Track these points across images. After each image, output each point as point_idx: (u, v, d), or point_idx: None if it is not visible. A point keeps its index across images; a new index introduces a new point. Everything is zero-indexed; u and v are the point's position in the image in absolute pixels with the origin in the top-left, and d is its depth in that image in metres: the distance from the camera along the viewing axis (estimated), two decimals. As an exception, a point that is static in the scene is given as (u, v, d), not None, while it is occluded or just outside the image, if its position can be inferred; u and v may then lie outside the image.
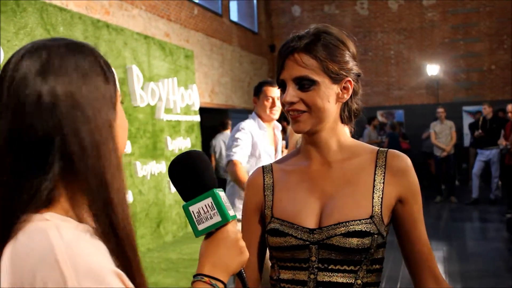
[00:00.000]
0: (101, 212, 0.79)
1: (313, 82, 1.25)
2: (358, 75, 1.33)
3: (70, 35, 5.22)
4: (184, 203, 0.99)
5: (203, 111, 9.07)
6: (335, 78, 1.27)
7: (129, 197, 5.97)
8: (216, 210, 0.96)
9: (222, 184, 3.40)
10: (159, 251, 6.29)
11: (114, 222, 0.79)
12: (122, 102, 0.91)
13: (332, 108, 1.29)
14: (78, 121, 0.78)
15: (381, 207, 1.27)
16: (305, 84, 1.25)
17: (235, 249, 0.97)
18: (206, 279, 0.93)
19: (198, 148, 7.94)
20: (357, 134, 1.48)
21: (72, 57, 0.81)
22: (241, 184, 3.30)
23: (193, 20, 10.66)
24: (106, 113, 0.83)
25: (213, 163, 9.56)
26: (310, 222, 1.28)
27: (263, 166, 1.44)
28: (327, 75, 1.26)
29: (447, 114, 10.29)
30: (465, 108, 13.79)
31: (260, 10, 14.71)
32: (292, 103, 1.27)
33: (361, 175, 1.31)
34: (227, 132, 9.36)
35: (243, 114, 10.51)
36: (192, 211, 0.97)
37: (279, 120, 3.83)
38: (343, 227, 1.24)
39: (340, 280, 1.25)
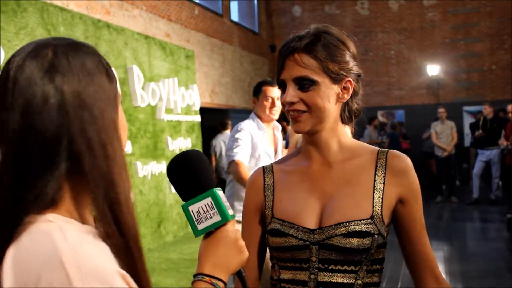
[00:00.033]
0: (108, 212, 0.78)
1: (313, 82, 1.25)
2: (359, 75, 1.33)
3: (70, 35, 5.22)
4: (184, 202, 0.99)
5: (203, 111, 9.07)
6: (335, 78, 1.27)
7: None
8: (215, 209, 0.96)
9: (222, 185, 3.39)
10: (159, 251, 6.29)
11: (120, 222, 0.79)
12: (121, 102, 0.91)
13: (332, 108, 1.29)
14: (85, 121, 0.78)
15: (381, 208, 1.27)
16: (305, 84, 1.25)
17: (235, 248, 0.98)
18: (207, 278, 0.94)
19: (199, 148, 7.94)
20: (357, 134, 1.48)
21: (77, 57, 0.81)
22: (245, 184, 3.29)
23: (194, 20, 10.66)
24: (111, 113, 0.83)
25: (213, 163, 9.55)
26: (311, 222, 1.28)
27: (263, 166, 1.44)
28: (327, 75, 1.26)
29: (448, 114, 10.28)
30: (466, 108, 13.79)
31: (260, 10, 14.71)
32: (292, 103, 1.27)
33: (361, 175, 1.31)
34: (227, 132, 9.36)
35: (243, 114, 10.51)
36: (192, 211, 0.97)
37: (278, 120, 3.79)
38: (343, 227, 1.24)
39: (341, 280, 1.25)
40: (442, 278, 1.35)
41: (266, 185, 1.39)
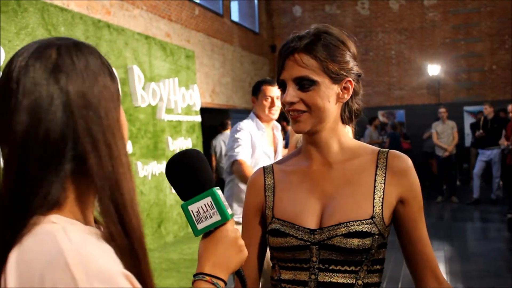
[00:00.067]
0: (113, 213, 0.78)
1: (313, 82, 1.25)
2: (359, 75, 1.33)
3: (71, 35, 5.22)
4: (183, 202, 0.99)
5: (204, 111, 9.08)
6: (335, 78, 1.27)
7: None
8: (215, 209, 0.96)
9: (221, 185, 3.36)
10: (160, 251, 6.29)
11: (125, 223, 0.79)
12: (122, 103, 0.91)
13: (332, 108, 1.28)
14: (90, 121, 0.78)
15: (382, 208, 1.27)
16: (305, 84, 1.25)
17: (235, 247, 0.98)
18: (207, 278, 0.94)
19: (199, 148, 7.94)
20: (358, 134, 1.48)
21: (81, 57, 0.81)
22: None
23: (194, 20, 10.67)
24: (115, 113, 0.83)
25: (214, 163, 9.56)
26: (311, 222, 1.28)
27: (263, 167, 1.44)
28: (327, 75, 1.26)
29: (448, 114, 10.28)
30: (466, 108, 13.79)
31: (261, 10, 14.71)
32: (292, 103, 1.27)
33: (362, 176, 1.31)
34: (227, 132, 9.37)
35: (244, 114, 10.49)
36: (191, 211, 0.97)
37: (278, 120, 3.74)
38: (344, 227, 1.24)
39: (341, 280, 1.25)
40: (443, 278, 1.35)
41: (266, 186, 1.39)
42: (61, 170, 0.76)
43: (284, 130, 6.31)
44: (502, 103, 11.72)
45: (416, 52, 14.26)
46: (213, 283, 0.93)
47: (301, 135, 1.74)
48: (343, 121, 1.34)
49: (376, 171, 1.31)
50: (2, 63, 4.26)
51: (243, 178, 3.29)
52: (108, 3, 7.75)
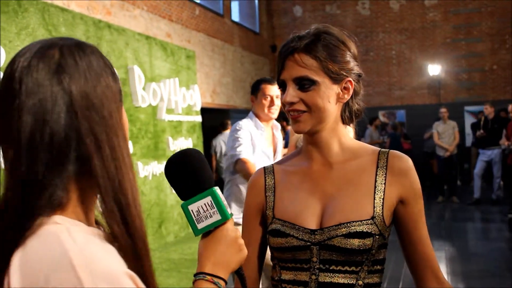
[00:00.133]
0: (116, 213, 0.78)
1: (313, 82, 1.25)
2: (359, 76, 1.33)
3: (71, 35, 5.22)
4: (183, 202, 0.99)
5: (204, 111, 9.08)
6: (335, 78, 1.27)
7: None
8: (215, 208, 0.97)
9: (221, 184, 3.35)
10: (160, 252, 6.29)
11: (128, 223, 0.79)
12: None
13: (332, 108, 1.28)
14: (93, 122, 0.77)
15: (382, 208, 1.27)
16: (305, 84, 1.25)
17: (235, 246, 0.98)
18: (208, 277, 0.94)
19: (200, 148, 7.95)
20: (358, 134, 1.48)
21: (84, 57, 0.80)
22: None
23: (195, 21, 10.67)
24: (117, 113, 0.82)
25: (214, 163, 9.57)
26: (312, 223, 1.28)
27: (264, 167, 1.44)
28: (327, 75, 1.26)
29: (449, 114, 10.28)
30: (467, 108, 13.78)
31: (261, 11, 14.71)
32: (292, 103, 1.27)
33: (362, 176, 1.30)
34: (227, 132, 9.38)
35: (244, 114, 10.45)
36: (192, 210, 0.98)
37: (278, 120, 3.69)
38: (344, 228, 1.24)
39: (342, 280, 1.25)
40: (443, 278, 1.35)
41: (267, 186, 1.39)
42: (65, 171, 0.76)
43: (284, 130, 6.29)
44: (503, 103, 11.71)
45: (417, 52, 14.26)
46: (214, 282, 0.93)
47: (300, 134, 1.74)
48: (344, 121, 1.34)
49: (376, 171, 1.31)
50: (2, 63, 4.27)
51: (248, 176, 3.22)
52: (108, 3, 7.76)
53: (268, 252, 1.41)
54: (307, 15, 14.94)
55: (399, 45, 14.42)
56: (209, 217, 0.97)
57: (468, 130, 12.38)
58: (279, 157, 3.57)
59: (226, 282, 0.96)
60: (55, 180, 0.75)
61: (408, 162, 1.32)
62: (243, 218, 1.44)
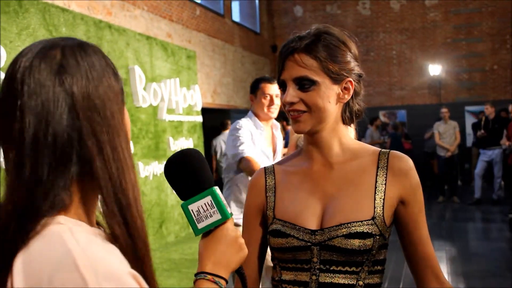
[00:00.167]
0: (117, 214, 0.78)
1: (313, 82, 1.25)
2: (360, 76, 1.32)
3: (72, 35, 5.21)
4: (183, 202, 0.99)
5: (205, 111, 9.08)
6: (336, 79, 1.27)
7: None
8: (216, 208, 0.97)
9: (220, 184, 3.33)
10: (161, 252, 6.29)
11: (129, 224, 0.79)
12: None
13: (332, 108, 1.28)
14: (95, 123, 0.77)
15: (383, 209, 1.27)
16: (305, 84, 1.25)
17: (235, 246, 0.98)
18: (209, 277, 0.94)
19: (200, 148, 7.95)
20: (359, 135, 1.48)
21: (86, 57, 0.80)
22: None
23: (195, 21, 10.67)
24: (119, 113, 0.82)
25: (214, 163, 9.57)
26: (312, 223, 1.28)
27: (264, 167, 1.44)
28: (328, 76, 1.26)
29: (450, 114, 10.27)
30: (468, 108, 13.78)
31: (262, 11, 14.71)
32: (292, 103, 1.27)
33: (363, 176, 1.30)
34: (227, 132, 9.37)
35: (245, 114, 10.48)
36: (192, 210, 0.98)
37: (277, 119, 3.64)
38: (345, 228, 1.24)
39: (342, 281, 1.25)
40: (444, 278, 1.35)
41: (267, 186, 1.39)
42: (68, 172, 0.76)
43: (284, 130, 6.29)
44: (504, 103, 11.70)
45: (417, 52, 14.26)
46: (215, 282, 0.94)
47: (300, 134, 1.74)
48: (344, 122, 1.34)
49: (377, 171, 1.31)
50: (3, 63, 4.27)
51: (252, 173, 3.18)
52: (109, 3, 7.76)
53: (268, 253, 1.41)
54: (308, 15, 14.94)
55: (399, 45, 14.42)
56: (209, 216, 0.97)
57: (468, 130, 12.38)
58: (279, 156, 3.53)
59: (227, 282, 0.96)
60: (59, 181, 0.75)
61: (408, 162, 1.32)
62: (244, 218, 1.44)
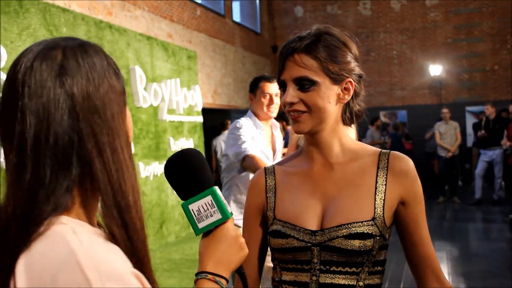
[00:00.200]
0: (117, 216, 0.78)
1: (313, 83, 1.25)
2: (360, 76, 1.32)
3: (73, 35, 5.22)
4: (183, 202, 0.99)
5: (205, 111, 9.09)
6: (336, 79, 1.27)
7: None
8: (216, 208, 0.97)
9: (219, 184, 3.31)
10: (161, 252, 6.30)
11: (129, 226, 0.79)
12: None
13: (332, 108, 1.28)
14: (96, 125, 0.77)
15: (383, 209, 1.27)
16: (305, 84, 1.25)
17: (236, 245, 0.98)
18: (210, 276, 0.94)
19: (201, 149, 7.95)
20: (359, 135, 1.48)
21: (87, 58, 0.80)
22: None
23: (196, 21, 10.67)
24: (120, 114, 0.82)
25: (214, 163, 9.57)
26: (312, 224, 1.28)
27: (265, 168, 1.44)
28: (328, 76, 1.26)
29: (450, 114, 10.27)
30: (468, 108, 13.78)
31: (262, 11, 14.72)
32: (292, 104, 1.27)
33: (363, 177, 1.30)
34: (227, 132, 9.37)
35: (245, 114, 10.49)
36: (192, 210, 0.98)
37: (277, 119, 3.60)
38: (345, 229, 1.24)
39: (342, 282, 1.25)
40: (444, 279, 1.35)
41: (268, 187, 1.39)
42: (70, 174, 0.76)
43: (283, 130, 6.29)
44: (504, 103, 11.70)
45: (418, 52, 14.25)
46: (215, 281, 0.94)
47: (300, 135, 1.73)
48: (344, 122, 1.34)
49: (377, 172, 1.30)
50: (3, 63, 4.27)
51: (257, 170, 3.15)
52: (109, 3, 7.76)
53: (269, 253, 1.41)
54: (308, 15, 14.94)
55: (400, 45, 14.42)
56: (209, 216, 0.97)
57: (469, 130, 12.38)
58: (278, 156, 3.50)
59: (227, 281, 0.96)
60: (61, 184, 0.75)
61: (408, 163, 1.32)
62: (244, 218, 1.44)
